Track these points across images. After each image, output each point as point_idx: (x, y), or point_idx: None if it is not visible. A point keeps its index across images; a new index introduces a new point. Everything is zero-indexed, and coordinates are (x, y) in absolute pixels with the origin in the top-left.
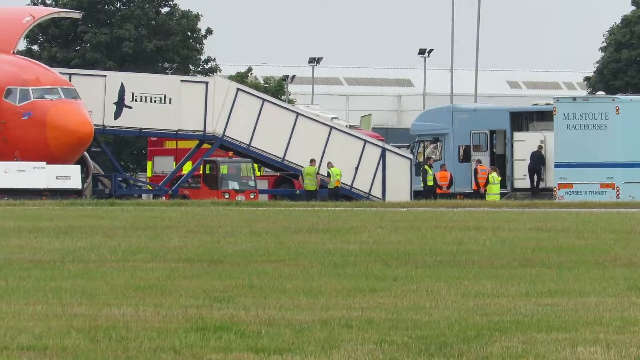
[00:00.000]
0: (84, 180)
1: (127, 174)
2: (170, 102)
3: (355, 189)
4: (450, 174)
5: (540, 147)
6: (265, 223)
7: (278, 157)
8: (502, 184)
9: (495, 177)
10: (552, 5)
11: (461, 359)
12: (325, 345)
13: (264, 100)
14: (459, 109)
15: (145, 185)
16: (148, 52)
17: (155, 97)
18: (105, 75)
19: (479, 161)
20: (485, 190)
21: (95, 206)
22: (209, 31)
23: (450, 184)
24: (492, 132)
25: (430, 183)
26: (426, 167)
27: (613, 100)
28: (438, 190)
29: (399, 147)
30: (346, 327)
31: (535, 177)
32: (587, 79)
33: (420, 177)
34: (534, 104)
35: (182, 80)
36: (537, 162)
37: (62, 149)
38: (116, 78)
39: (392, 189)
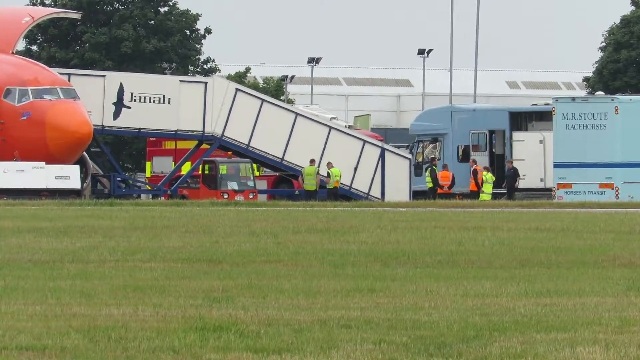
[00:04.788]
0: (83, 181)
1: (127, 174)
2: (169, 103)
3: (354, 189)
4: (452, 174)
5: (510, 162)
6: (264, 223)
7: (277, 157)
8: (501, 185)
9: (488, 176)
10: (552, 6)
11: (460, 359)
12: (324, 345)
13: (263, 100)
14: (458, 109)
15: (144, 185)
16: (147, 53)
17: (154, 98)
18: (104, 76)
19: (475, 161)
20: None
21: (94, 206)
22: (208, 31)
23: (452, 184)
24: (492, 132)
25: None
26: (433, 167)
27: (612, 100)
28: (439, 190)
29: (398, 147)
30: (345, 327)
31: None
32: (586, 79)
33: (426, 177)
34: (533, 104)
35: (181, 81)
36: (513, 178)
37: (61, 149)
38: (115, 78)
39: (391, 189)
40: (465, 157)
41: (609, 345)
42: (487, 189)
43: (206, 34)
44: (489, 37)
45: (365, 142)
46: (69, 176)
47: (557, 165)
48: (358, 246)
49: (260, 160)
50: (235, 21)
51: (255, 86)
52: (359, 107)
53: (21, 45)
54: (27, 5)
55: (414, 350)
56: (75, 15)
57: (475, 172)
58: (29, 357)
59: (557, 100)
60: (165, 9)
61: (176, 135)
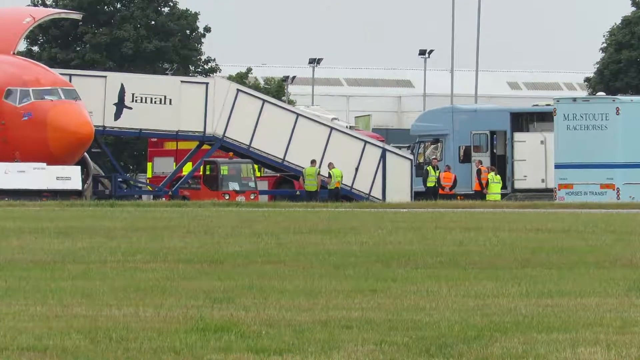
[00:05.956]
0: (84, 181)
1: (128, 175)
2: (170, 103)
3: (355, 189)
4: (455, 175)
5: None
6: (266, 224)
7: (278, 157)
8: (503, 185)
9: (494, 176)
10: (552, 6)
11: None
12: (326, 346)
13: (264, 101)
14: (459, 109)
15: (145, 186)
16: (148, 53)
17: (155, 98)
18: (105, 76)
19: (480, 162)
20: (487, 191)
21: (95, 207)
22: (207, 29)
23: (454, 185)
24: (493, 133)
25: (430, 184)
26: (428, 167)
27: (613, 101)
28: (441, 191)
29: (399, 148)
30: (346, 327)
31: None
32: (587, 79)
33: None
34: (534, 105)
35: (182, 81)
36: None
37: (62, 149)
38: (116, 79)
39: (393, 190)
40: (466, 157)
41: (610, 345)
42: (496, 189)
43: (206, 33)
44: (490, 38)
45: (366, 142)
46: (70, 177)
47: (558, 166)
48: (359, 247)
49: (262, 160)
50: (236, 22)
51: (256, 87)
52: (360, 107)
53: (22, 45)
54: (28, 5)
55: (415, 351)
56: (76, 15)
57: (479, 172)
58: (30, 358)
59: (558, 101)
60: (166, 9)
61: (177, 136)
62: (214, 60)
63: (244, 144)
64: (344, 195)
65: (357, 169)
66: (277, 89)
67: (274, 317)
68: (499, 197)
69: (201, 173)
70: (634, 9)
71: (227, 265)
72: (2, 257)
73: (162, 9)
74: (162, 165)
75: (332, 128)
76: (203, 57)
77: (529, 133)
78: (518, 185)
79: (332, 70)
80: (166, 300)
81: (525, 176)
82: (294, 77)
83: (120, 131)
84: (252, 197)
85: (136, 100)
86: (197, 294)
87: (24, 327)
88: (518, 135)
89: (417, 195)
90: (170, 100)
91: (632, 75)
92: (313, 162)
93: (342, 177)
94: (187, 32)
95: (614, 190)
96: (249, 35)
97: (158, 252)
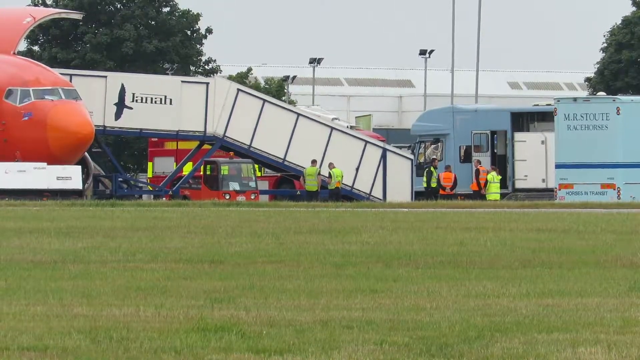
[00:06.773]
0: (84, 181)
1: (128, 175)
2: (170, 103)
3: (356, 189)
4: (455, 175)
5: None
6: (266, 224)
7: (279, 157)
8: (504, 185)
9: (495, 176)
10: (553, 6)
11: None
12: (326, 346)
13: (264, 100)
14: (460, 109)
15: (145, 185)
16: (148, 53)
17: (155, 98)
18: (105, 76)
19: (479, 161)
20: (486, 191)
21: (95, 207)
22: (209, 30)
23: (454, 185)
24: (493, 133)
25: (434, 185)
26: (431, 168)
27: (614, 100)
28: (441, 192)
29: (400, 148)
30: (347, 327)
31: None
32: (587, 79)
33: (424, 178)
34: (534, 105)
35: (182, 81)
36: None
37: (63, 149)
38: (117, 79)
39: (393, 190)
40: (467, 157)
41: (611, 345)
42: (495, 188)
43: (207, 34)
44: (491, 38)
45: (366, 142)
46: (71, 177)
47: (558, 166)
48: (360, 247)
49: (262, 160)
50: (237, 21)
51: (256, 87)
52: (361, 107)
53: (23, 45)
54: (29, 5)
55: (415, 351)
56: (76, 15)
57: (477, 172)
58: (30, 358)
59: (558, 101)
60: (167, 9)
61: (178, 136)
62: (215, 61)
63: (245, 144)
64: (344, 195)
65: (357, 169)
66: (277, 89)
67: (274, 317)
68: (498, 196)
69: (202, 173)
70: (634, 9)
71: (228, 265)
72: (2, 257)
73: (163, 9)
74: (163, 165)
75: (332, 128)
76: (204, 58)
77: (530, 133)
78: (519, 185)
79: (333, 70)
80: (167, 300)
81: (525, 176)
82: (294, 77)
83: (121, 131)
84: (252, 197)
85: (136, 100)
86: (197, 294)
87: (25, 327)
88: (519, 135)
89: (417, 195)
90: (171, 100)
91: (632, 75)
92: (314, 162)
93: (342, 177)
94: (188, 32)
95: (614, 190)
96: (249, 35)
97: (158, 252)
